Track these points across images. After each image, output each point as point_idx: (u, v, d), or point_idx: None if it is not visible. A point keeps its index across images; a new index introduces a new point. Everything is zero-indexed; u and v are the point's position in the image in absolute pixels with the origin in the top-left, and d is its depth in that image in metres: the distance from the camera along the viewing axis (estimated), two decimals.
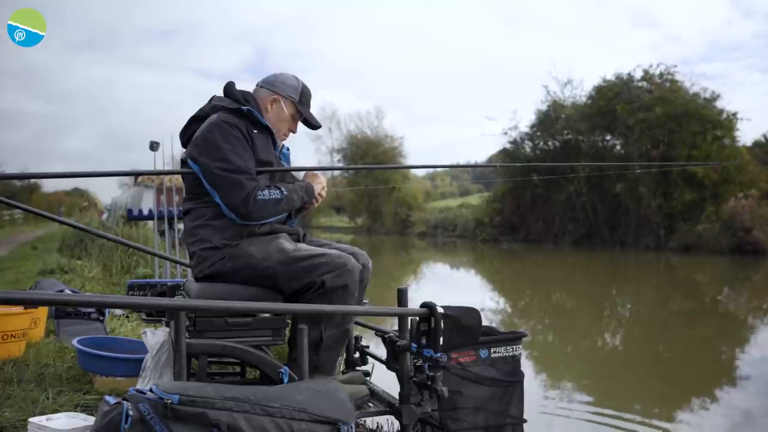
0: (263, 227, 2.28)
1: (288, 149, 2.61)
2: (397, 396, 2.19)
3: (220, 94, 2.43)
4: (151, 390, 1.52)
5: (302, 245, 2.29)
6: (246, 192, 2.17)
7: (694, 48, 66.48)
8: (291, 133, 2.53)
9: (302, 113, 2.46)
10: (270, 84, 2.45)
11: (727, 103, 23.69)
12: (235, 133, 2.25)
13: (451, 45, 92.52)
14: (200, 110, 2.40)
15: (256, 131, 2.33)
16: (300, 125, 2.54)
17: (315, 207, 2.55)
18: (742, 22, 71.45)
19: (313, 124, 2.52)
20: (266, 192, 2.21)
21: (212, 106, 2.38)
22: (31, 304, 3.47)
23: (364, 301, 2.50)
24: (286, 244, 2.25)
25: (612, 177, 24.22)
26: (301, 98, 2.45)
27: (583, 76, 52.17)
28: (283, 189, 2.27)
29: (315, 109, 2.57)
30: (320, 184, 2.48)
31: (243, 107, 2.33)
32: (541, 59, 45.89)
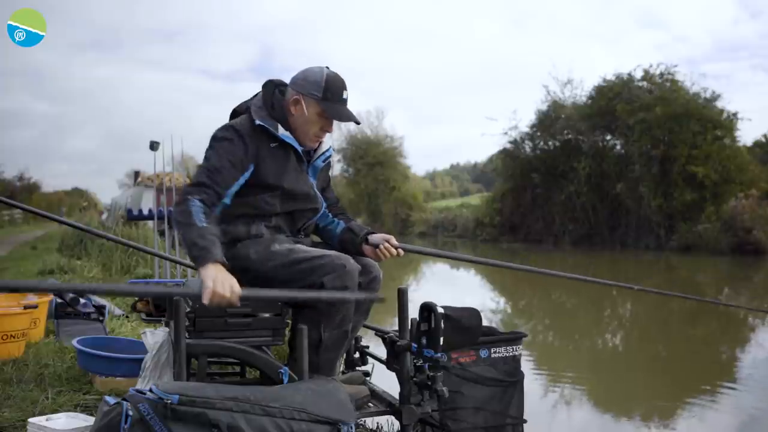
0: (260, 229, 2.22)
1: (328, 158, 2.42)
2: (397, 396, 2.19)
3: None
4: (150, 390, 1.52)
5: (301, 247, 2.21)
6: (187, 193, 2.05)
7: (701, 48, 66.56)
8: (326, 133, 2.31)
9: (327, 111, 2.23)
10: (294, 82, 2.25)
11: (728, 103, 23.70)
12: (224, 143, 2.15)
13: (457, 45, 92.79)
14: (241, 104, 2.33)
15: (274, 145, 2.20)
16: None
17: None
18: (749, 22, 71.48)
19: (342, 120, 2.29)
20: (200, 210, 1.98)
21: (248, 105, 2.29)
22: (37, 292, 3.55)
23: None
24: (285, 246, 2.20)
25: (612, 177, 24.25)
26: (326, 94, 2.19)
27: (585, 76, 52.07)
28: (208, 231, 1.94)
29: None
30: (214, 292, 1.80)
31: (257, 122, 2.18)
32: (546, 59, 45.82)
